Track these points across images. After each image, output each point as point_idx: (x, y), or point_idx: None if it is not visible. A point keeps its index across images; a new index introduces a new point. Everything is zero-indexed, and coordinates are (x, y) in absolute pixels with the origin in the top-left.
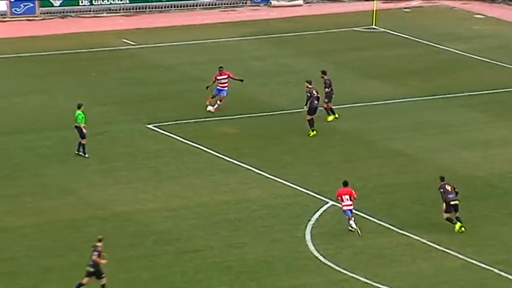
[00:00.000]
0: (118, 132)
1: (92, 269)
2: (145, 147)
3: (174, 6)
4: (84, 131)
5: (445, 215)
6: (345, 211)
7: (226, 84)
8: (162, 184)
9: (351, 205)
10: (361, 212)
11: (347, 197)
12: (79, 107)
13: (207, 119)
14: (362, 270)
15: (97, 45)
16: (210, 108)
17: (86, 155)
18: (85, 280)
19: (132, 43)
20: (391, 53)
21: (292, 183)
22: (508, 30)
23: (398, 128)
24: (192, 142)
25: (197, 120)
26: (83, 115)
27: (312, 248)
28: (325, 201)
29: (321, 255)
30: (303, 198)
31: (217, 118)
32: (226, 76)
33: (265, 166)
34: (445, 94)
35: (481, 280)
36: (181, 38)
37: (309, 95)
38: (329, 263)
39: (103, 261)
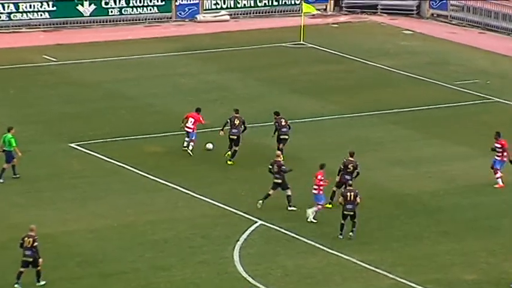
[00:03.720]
0: (40, 152)
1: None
2: (69, 167)
3: (96, 22)
4: (19, 154)
5: None
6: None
7: (500, 154)
8: (86, 204)
9: (190, 128)
10: (291, 232)
11: (192, 120)
12: (9, 130)
13: (132, 138)
14: None
15: (17, 62)
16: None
17: (1, 180)
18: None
19: (53, 59)
20: (319, 69)
21: (219, 203)
22: (436, 46)
23: (327, 145)
24: (117, 161)
25: (122, 138)
26: (14, 138)
27: (240, 268)
28: (253, 220)
29: (249, 276)
30: (231, 218)
31: (142, 137)
32: (500, 145)
33: (192, 185)
34: (374, 111)
35: None
36: (105, 54)
37: (277, 124)
38: (258, 284)
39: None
